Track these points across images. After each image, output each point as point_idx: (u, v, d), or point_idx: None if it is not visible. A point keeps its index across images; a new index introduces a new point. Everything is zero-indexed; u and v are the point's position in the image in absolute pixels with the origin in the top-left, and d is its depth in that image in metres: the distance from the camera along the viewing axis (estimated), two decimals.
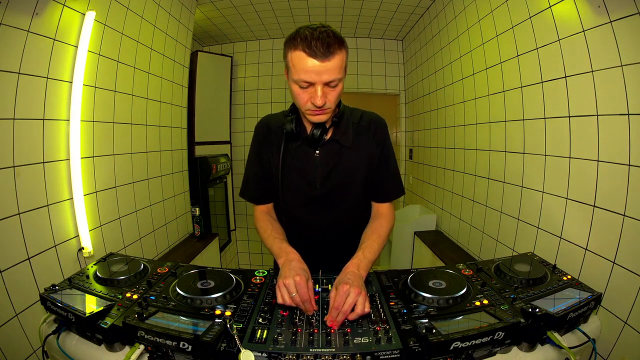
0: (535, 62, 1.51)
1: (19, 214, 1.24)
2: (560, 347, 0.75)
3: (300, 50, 0.86)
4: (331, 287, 0.98)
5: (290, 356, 0.70)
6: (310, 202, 1.11)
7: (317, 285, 0.97)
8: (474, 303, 0.86)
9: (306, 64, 0.86)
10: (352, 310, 0.80)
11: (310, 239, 1.15)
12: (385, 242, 1.07)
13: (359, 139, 1.08)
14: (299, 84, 0.91)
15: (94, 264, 1.08)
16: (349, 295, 0.80)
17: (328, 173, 1.07)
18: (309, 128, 1.06)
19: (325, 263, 1.03)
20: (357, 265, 0.92)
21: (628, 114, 1.09)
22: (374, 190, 1.14)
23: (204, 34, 3.44)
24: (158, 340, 0.70)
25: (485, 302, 0.87)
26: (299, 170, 1.08)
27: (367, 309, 0.81)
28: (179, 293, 0.89)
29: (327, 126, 1.04)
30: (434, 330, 0.71)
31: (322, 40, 0.84)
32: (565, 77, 1.34)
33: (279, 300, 0.85)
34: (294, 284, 0.83)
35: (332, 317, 0.80)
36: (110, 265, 1.07)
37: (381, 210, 1.14)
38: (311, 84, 0.89)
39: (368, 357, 0.70)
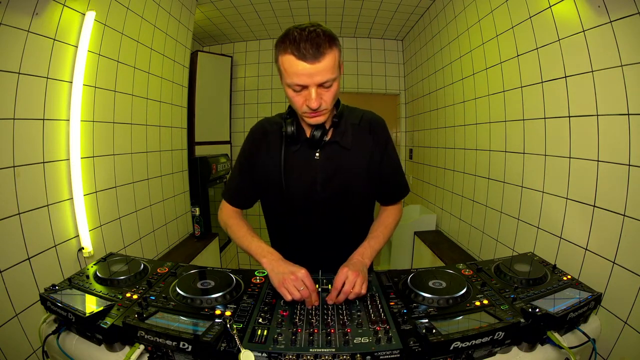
0: (535, 62, 1.51)
1: (19, 214, 1.24)
2: (560, 347, 0.75)
3: (289, 53, 0.84)
4: (331, 287, 0.98)
5: (290, 356, 0.70)
6: (311, 206, 1.08)
7: (317, 285, 0.97)
8: (474, 303, 0.86)
9: (297, 68, 0.84)
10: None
11: (309, 244, 1.13)
12: (392, 233, 1.14)
13: (359, 140, 1.06)
14: (292, 88, 0.89)
15: (94, 264, 1.08)
16: (348, 277, 0.87)
17: (330, 176, 1.05)
18: (307, 131, 1.05)
19: (326, 268, 1.03)
20: (362, 254, 0.98)
21: (628, 114, 1.09)
22: (382, 194, 1.16)
23: (204, 34, 3.44)
24: (158, 340, 0.70)
25: (485, 302, 0.87)
26: (299, 174, 1.05)
27: (363, 291, 0.88)
28: (179, 293, 0.89)
29: (327, 127, 1.03)
30: (434, 330, 0.71)
31: (312, 41, 0.82)
32: (565, 77, 1.34)
33: (288, 298, 0.85)
34: (301, 278, 0.87)
35: (333, 296, 0.87)
36: (110, 265, 1.07)
37: (387, 206, 1.19)
38: (304, 87, 0.88)
39: (368, 357, 0.70)
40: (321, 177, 1.05)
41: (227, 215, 1.14)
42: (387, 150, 1.10)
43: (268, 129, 1.10)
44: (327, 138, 1.04)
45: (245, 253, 1.05)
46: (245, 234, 1.05)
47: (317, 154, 1.05)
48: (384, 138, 1.09)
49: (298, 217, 1.11)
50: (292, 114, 1.06)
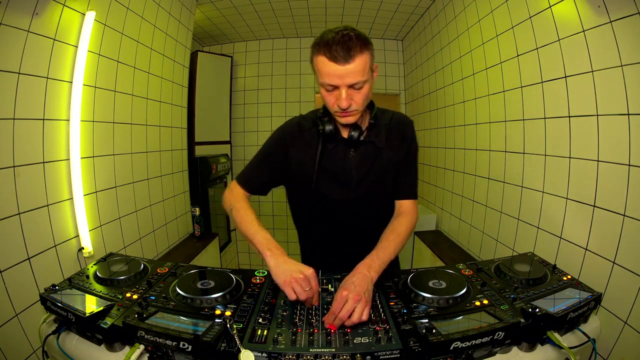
0: (535, 62, 1.51)
1: (19, 214, 1.24)
2: (560, 347, 0.75)
3: (322, 54, 0.89)
4: (331, 286, 0.98)
5: (290, 356, 0.70)
6: (342, 203, 1.11)
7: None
8: (474, 303, 0.86)
9: (329, 68, 0.89)
10: (351, 316, 0.78)
11: (333, 239, 1.17)
12: (404, 242, 1.05)
13: (390, 140, 1.10)
14: (325, 87, 0.94)
15: (94, 264, 1.08)
16: (347, 302, 0.78)
17: (364, 175, 1.09)
18: (342, 130, 1.08)
19: (349, 264, 0.99)
20: (368, 266, 0.90)
21: (628, 114, 1.09)
22: (397, 187, 1.14)
23: (204, 34, 3.44)
24: (158, 340, 0.70)
25: (485, 302, 0.87)
26: (334, 173, 1.09)
27: (364, 317, 0.78)
28: (179, 293, 0.89)
29: (364, 128, 1.06)
30: (434, 330, 0.71)
31: (343, 44, 0.86)
32: (565, 77, 1.34)
33: (293, 297, 0.83)
34: (307, 278, 0.84)
35: (329, 320, 0.80)
36: (110, 265, 1.07)
37: (403, 208, 1.13)
38: (336, 87, 0.92)
39: (368, 357, 0.70)
40: (356, 176, 1.08)
41: (236, 197, 1.11)
42: (411, 149, 1.13)
43: (304, 125, 1.12)
44: (363, 138, 1.06)
45: (246, 240, 1.01)
46: (253, 221, 1.01)
47: (352, 153, 1.08)
48: (410, 137, 1.12)
49: (326, 213, 1.14)
50: (327, 112, 1.08)
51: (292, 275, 0.84)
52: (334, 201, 1.11)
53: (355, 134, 1.03)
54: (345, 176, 1.09)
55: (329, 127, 1.04)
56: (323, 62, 0.89)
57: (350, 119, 0.99)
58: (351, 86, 0.91)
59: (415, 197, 1.14)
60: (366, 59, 0.90)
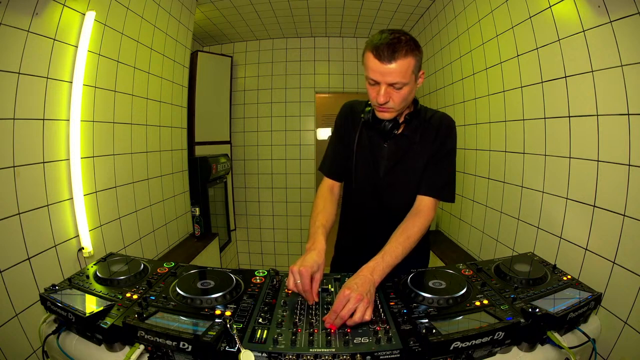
0: (535, 62, 1.51)
1: (19, 214, 1.24)
2: (560, 347, 0.75)
3: (370, 51, 0.97)
4: (331, 287, 0.98)
5: (290, 356, 0.70)
6: (372, 188, 1.19)
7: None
8: (474, 303, 0.86)
9: (373, 65, 0.97)
10: (353, 315, 0.79)
11: (365, 222, 1.25)
12: (414, 243, 1.04)
13: (425, 136, 1.14)
14: (369, 81, 1.02)
15: (94, 264, 1.08)
16: (349, 301, 0.79)
17: (393, 165, 1.16)
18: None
19: (376, 247, 1.01)
20: (372, 269, 0.90)
21: (628, 114, 1.09)
22: (420, 182, 1.13)
23: (204, 34, 3.44)
24: (158, 340, 0.70)
25: (485, 302, 0.87)
26: (367, 157, 1.18)
27: (367, 317, 0.79)
28: (179, 293, 0.89)
29: (400, 121, 1.11)
30: (434, 330, 0.71)
31: (390, 45, 0.93)
32: (565, 77, 1.34)
33: (286, 283, 0.91)
34: (298, 272, 0.88)
35: (330, 319, 0.80)
36: (110, 265, 1.07)
37: (420, 207, 1.11)
38: (377, 83, 0.99)
39: (368, 357, 0.70)
40: (385, 164, 1.16)
41: (318, 193, 1.23)
42: (444, 146, 1.13)
43: (355, 109, 1.22)
44: (399, 131, 1.13)
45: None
46: (316, 215, 1.12)
47: (387, 144, 1.15)
48: (444, 134, 1.14)
49: (355, 198, 1.25)
50: None
51: (295, 266, 0.90)
52: (362, 185, 1.20)
53: (387, 124, 1.09)
54: (375, 164, 1.17)
55: (367, 116, 1.11)
56: (369, 58, 0.97)
57: (386, 115, 1.06)
58: (391, 85, 0.98)
59: (437, 197, 1.12)
60: (409, 63, 0.96)
